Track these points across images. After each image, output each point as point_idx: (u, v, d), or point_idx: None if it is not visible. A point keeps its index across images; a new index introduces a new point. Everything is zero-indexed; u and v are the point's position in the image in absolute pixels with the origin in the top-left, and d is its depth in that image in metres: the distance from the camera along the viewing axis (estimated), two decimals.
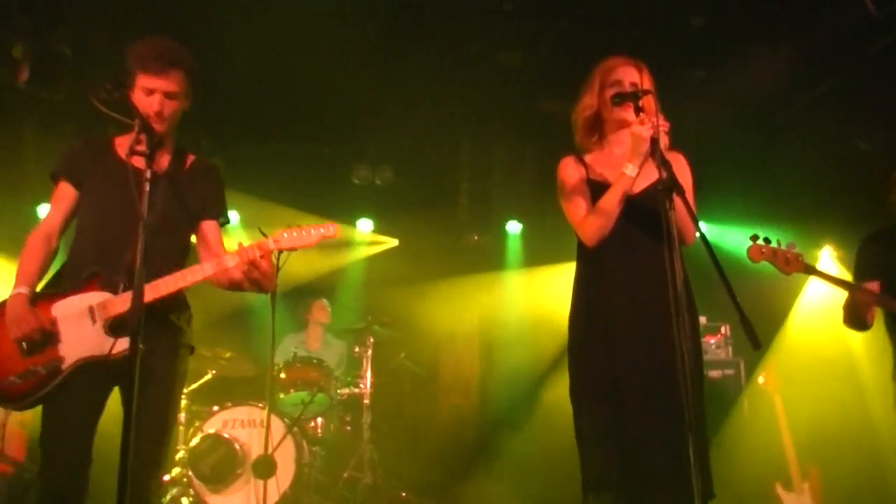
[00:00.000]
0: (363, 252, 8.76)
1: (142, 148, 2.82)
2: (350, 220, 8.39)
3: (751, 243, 3.52)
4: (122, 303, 2.99)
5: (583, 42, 5.65)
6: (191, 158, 3.40)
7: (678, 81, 6.06)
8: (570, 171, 3.34)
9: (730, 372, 6.88)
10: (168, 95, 3.13)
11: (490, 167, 7.97)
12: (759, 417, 6.23)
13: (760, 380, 5.89)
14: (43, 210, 6.56)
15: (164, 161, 3.27)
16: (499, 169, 7.97)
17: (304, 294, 7.72)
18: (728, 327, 7.03)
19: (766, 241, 3.54)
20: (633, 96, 3.06)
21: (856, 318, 3.99)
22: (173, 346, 3.17)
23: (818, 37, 5.58)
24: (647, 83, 3.23)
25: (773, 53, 5.85)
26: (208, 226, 3.35)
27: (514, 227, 8.59)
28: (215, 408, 6.04)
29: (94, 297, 3.03)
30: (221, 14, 5.53)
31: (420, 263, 8.53)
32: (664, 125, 3.01)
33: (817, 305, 6.93)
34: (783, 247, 3.54)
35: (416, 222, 8.45)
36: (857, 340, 6.19)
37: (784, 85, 6.13)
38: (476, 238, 8.72)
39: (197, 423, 6.02)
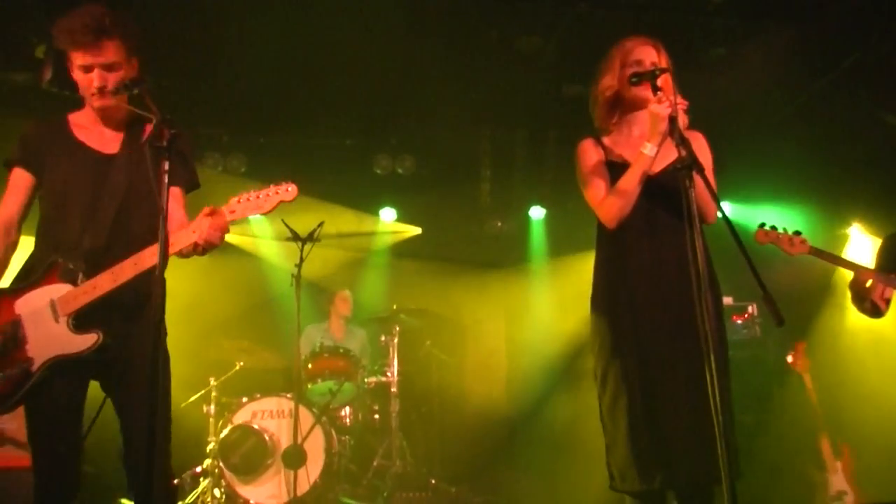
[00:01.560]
0: (387, 241, 8.77)
1: (162, 144, 2.67)
2: (373, 210, 8.41)
3: (757, 229, 3.72)
4: (83, 295, 2.87)
5: (602, 24, 5.62)
6: (150, 127, 3.11)
7: (699, 60, 6.00)
8: (588, 153, 3.32)
9: (758, 352, 6.83)
10: (107, 68, 2.96)
11: (512, 153, 7.93)
12: (789, 397, 6.18)
13: (789, 359, 5.84)
14: None
15: (118, 137, 3.12)
16: (520, 154, 7.93)
17: (328, 284, 7.75)
18: (755, 307, 6.97)
19: (773, 227, 3.70)
20: (651, 75, 3.04)
21: (860, 298, 4.00)
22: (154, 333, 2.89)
23: (841, 11, 5.50)
24: (664, 62, 3.22)
25: (795, 29, 5.77)
26: (170, 193, 3.08)
27: (537, 213, 8.55)
28: (244, 399, 6.08)
29: (56, 290, 2.90)
30: (241, 8, 5.54)
31: (444, 251, 8.54)
32: (682, 103, 3.00)
33: (847, 284, 6.85)
34: (789, 233, 3.71)
35: (438, 210, 8.45)
36: (886, 318, 6.12)
37: (807, 61, 6.05)
38: (499, 224, 8.69)
39: (226, 415, 6.07)
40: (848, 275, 4.04)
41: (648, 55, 3.24)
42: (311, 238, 5.67)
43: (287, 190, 2.90)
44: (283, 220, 5.66)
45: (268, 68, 6.17)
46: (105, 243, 2.96)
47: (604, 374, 3.18)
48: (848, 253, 7.00)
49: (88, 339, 2.85)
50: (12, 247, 3.08)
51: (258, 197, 2.89)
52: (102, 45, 2.92)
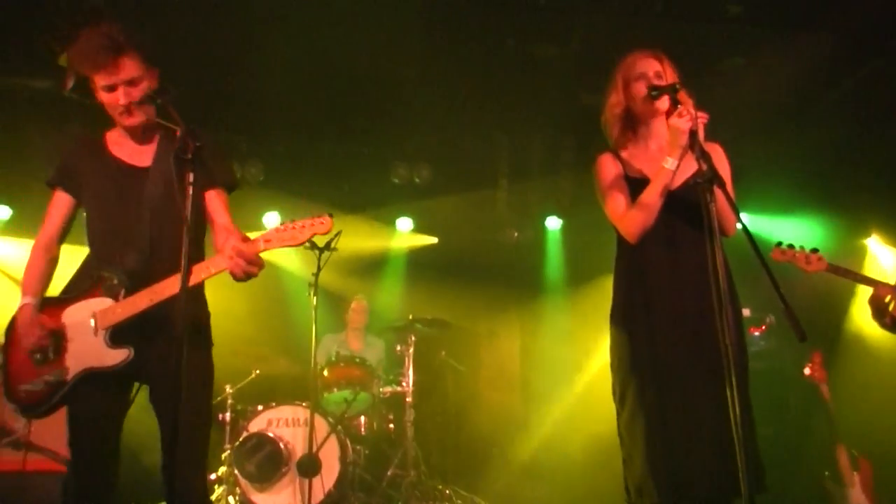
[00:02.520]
0: (403, 250, 8.77)
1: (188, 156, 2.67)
2: (390, 220, 8.43)
3: (774, 248, 3.84)
4: (122, 310, 2.96)
5: (619, 33, 5.61)
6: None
7: (716, 69, 5.98)
8: (607, 167, 3.32)
9: (775, 363, 6.78)
10: (130, 83, 3.02)
11: (528, 162, 7.92)
12: (806, 408, 6.13)
13: (806, 370, 5.80)
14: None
15: (150, 149, 3.19)
16: (537, 164, 7.92)
17: (345, 293, 7.76)
18: (773, 318, 6.92)
19: (790, 246, 3.84)
20: (671, 89, 3.03)
21: (881, 314, 3.99)
22: (194, 345, 2.90)
23: (860, 17, 5.48)
24: (669, 73, 3.21)
25: (812, 38, 5.75)
26: (209, 196, 3.18)
27: (553, 223, 8.54)
28: (260, 407, 6.09)
29: (98, 304, 3.01)
30: (260, 16, 5.57)
31: (460, 261, 8.53)
32: (703, 117, 2.98)
33: (864, 296, 6.80)
34: (806, 250, 3.83)
35: (455, 220, 8.45)
36: None
37: (825, 69, 6.03)
38: (516, 234, 8.68)
39: (242, 422, 6.08)
40: (868, 288, 4.03)
41: (651, 66, 3.23)
42: (328, 247, 5.69)
43: (322, 223, 2.93)
44: None
45: (286, 76, 6.18)
46: (147, 257, 3.04)
47: (622, 390, 3.17)
48: (866, 264, 6.96)
49: (120, 355, 2.95)
50: (53, 262, 3.21)
51: (293, 228, 2.93)
52: (120, 61, 2.98)
